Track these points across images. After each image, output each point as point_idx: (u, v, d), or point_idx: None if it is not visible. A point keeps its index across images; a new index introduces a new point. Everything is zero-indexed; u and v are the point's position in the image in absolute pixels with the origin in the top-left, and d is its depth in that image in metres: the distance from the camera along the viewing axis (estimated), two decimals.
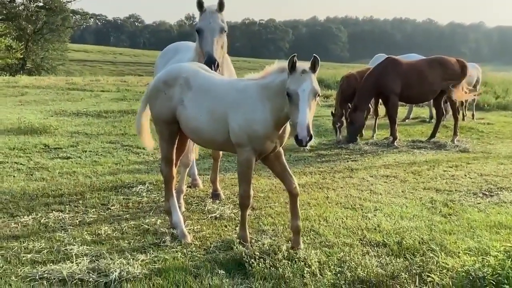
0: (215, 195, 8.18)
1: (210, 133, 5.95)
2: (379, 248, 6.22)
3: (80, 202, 7.84)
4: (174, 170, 6.62)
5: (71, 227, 6.77)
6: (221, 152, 8.47)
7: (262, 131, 5.59)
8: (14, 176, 9.26)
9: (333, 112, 14.28)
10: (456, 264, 5.43)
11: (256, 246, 6.00)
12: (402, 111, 19.31)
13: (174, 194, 6.64)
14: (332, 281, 5.22)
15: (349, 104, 14.05)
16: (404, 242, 6.29)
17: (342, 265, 5.57)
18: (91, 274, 5.20)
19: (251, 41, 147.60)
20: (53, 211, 7.36)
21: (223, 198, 8.16)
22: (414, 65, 13.76)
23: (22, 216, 7.13)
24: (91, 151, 11.62)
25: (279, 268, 5.37)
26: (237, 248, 5.83)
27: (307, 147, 5.16)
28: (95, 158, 10.93)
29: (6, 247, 6.01)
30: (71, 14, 64.84)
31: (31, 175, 9.42)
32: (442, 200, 8.34)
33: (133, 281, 5.16)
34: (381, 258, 5.83)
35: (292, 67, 5.24)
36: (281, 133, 5.82)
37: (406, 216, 7.47)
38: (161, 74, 6.46)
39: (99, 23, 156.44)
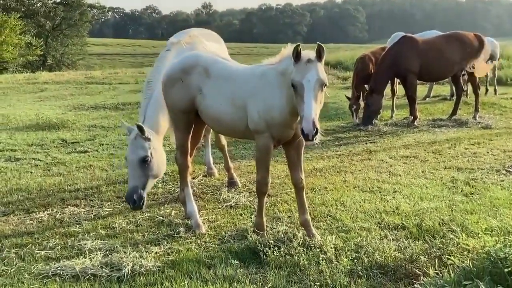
0: (231, 183, 8.05)
1: (231, 121, 5.83)
2: (397, 231, 6.05)
3: (96, 196, 7.79)
4: (190, 159, 6.51)
5: (86, 221, 6.72)
6: (225, 142, 8.35)
7: (279, 118, 5.42)
8: (31, 172, 9.25)
9: (347, 96, 14.06)
10: (477, 245, 5.24)
11: (271, 234, 5.88)
12: (422, 89, 18.99)
13: (189, 184, 6.51)
14: (349, 267, 5.08)
15: (365, 85, 13.79)
16: (424, 224, 6.12)
17: (359, 250, 5.42)
18: (104, 269, 5.13)
19: (269, 26, 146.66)
20: (69, 206, 7.33)
21: (239, 186, 8.04)
22: (431, 42, 13.42)
23: (37, 212, 7.09)
24: (108, 144, 11.58)
25: (294, 256, 5.24)
26: (251, 236, 5.71)
27: (314, 142, 4.95)
28: (112, 151, 10.88)
29: (21, 244, 5.98)
30: (88, 9, 64.94)
31: (48, 170, 9.40)
32: (463, 179, 8.12)
33: (146, 274, 5.08)
34: (399, 242, 5.65)
35: (296, 57, 5.01)
36: None
37: (426, 197, 7.28)
38: (178, 62, 6.33)
39: (117, 16, 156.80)
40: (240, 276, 4.96)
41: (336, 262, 5.18)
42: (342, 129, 13.05)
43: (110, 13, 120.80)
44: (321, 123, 12.63)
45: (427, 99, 17.98)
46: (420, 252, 5.27)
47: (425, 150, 10.36)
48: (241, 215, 6.79)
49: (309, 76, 4.91)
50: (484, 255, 4.68)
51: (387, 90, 14.48)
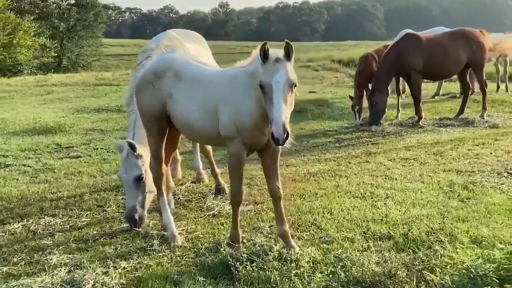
0: (218, 190, 7.78)
1: (203, 128, 5.52)
2: (383, 241, 5.73)
3: (77, 205, 7.52)
4: (164, 167, 6.23)
5: (60, 233, 6.45)
6: (210, 148, 8.08)
7: (250, 123, 5.11)
8: (17, 180, 9.02)
9: (350, 95, 13.72)
10: (460, 259, 4.91)
11: (246, 247, 5.59)
12: (432, 87, 18.58)
13: (165, 193, 6.24)
14: (323, 283, 4.79)
15: (369, 85, 13.44)
16: (411, 233, 5.79)
17: (337, 264, 5.10)
18: (63, 287, 4.86)
19: (286, 24, 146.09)
20: (46, 216, 7.04)
21: (227, 193, 7.74)
22: (435, 39, 13.03)
23: (12, 224, 6.81)
24: (102, 148, 11.33)
25: (267, 271, 4.94)
26: (224, 250, 5.41)
27: (285, 146, 4.67)
28: (105, 156, 10.63)
29: None
30: (103, 9, 65.01)
31: (36, 177, 9.18)
32: (462, 183, 7.79)
33: None
34: (382, 253, 5.35)
35: (264, 56, 4.72)
36: None
37: (419, 203, 6.96)
38: (150, 65, 6.09)
39: (134, 17, 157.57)
40: None
41: (310, 278, 4.87)
42: (345, 130, 12.72)
43: (127, 13, 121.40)
44: (324, 123, 12.70)
45: (436, 97, 17.55)
46: (401, 266, 4.97)
47: (426, 151, 10.02)
48: (222, 224, 6.50)
49: (278, 77, 4.61)
50: (463, 271, 4.37)
51: (393, 89, 14.13)
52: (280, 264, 5.10)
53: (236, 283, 4.89)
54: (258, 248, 5.46)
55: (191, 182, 8.44)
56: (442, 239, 5.60)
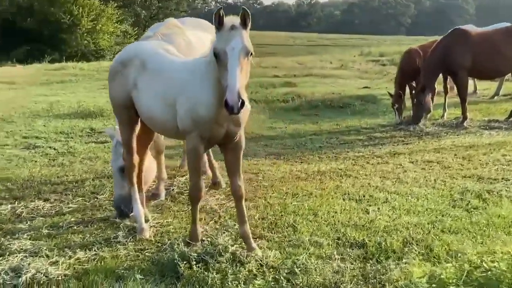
0: (214, 183, 7.58)
1: (163, 120, 5.37)
2: (353, 249, 5.40)
3: (74, 190, 7.57)
4: (136, 158, 6.09)
5: (41, 218, 6.49)
6: None
7: (206, 114, 4.88)
8: (35, 162, 9.22)
9: (390, 93, 13.12)
10: (417, 274, 4.51)
11: (200, 246, 5.37)
12: (494, 86, 17.48)
13: (135, 185, 6.11)
14: None
15: (411, 82, 12.83)
16: (386, 243, 5.41)
17: (289, 270, 4.83)
18: (4, 275, 4.83)
19: (371, 17, 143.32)
20: (38, 200, 7.13)
21: (223, 187, 7.55)
22: (487, 36, 12.25)
23: (4, 205, 6.94)
24: None
25: (211, 273, 4.73)
26: (177, 247, 5.23)
27: (239, 115, 4.48)
28: None
29: None
30: None
31: (54, 160, 9.36)
32: (477, 191, 7.24)
33: (44, 284, 4.74)
34: (344, 262, 5.03)
35: (219, 23, 4.53)
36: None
37: (415, 210, 6.53)
38: (119, 54, 5.99)
39: (219, 6, 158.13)
40: None
41: (250, 283, 4.62)
42: (381, 128, 12.17)
43: (213, 3, 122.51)
44: (362, 120, 12.23)
45: (495, 97, 16.48)
46: (354, 277, 4.63)
47: (455, 155, 9.40)
48: (200, 220, 6.30)
49: (234, 43, 4.41)
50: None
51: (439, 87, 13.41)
52: (228, 266, 4.88)
53: (178, 283, 4.71)
54: (214, 248, 5.21)
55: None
56: (416, 251, 5.21)
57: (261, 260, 5.01)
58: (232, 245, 5.26)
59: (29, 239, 5.78)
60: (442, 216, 6.34)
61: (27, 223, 6.32)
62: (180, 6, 64.77)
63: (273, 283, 4.63)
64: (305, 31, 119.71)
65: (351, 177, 8.06)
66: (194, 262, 4.86)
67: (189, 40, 7.24)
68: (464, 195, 7.10)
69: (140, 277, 4.72)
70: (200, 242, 5.44)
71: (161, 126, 5.49)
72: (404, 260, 4.99)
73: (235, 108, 4.26)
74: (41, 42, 43.08)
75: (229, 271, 4.78)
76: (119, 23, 50.21)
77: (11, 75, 23.29)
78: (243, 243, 5.37)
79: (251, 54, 4.54)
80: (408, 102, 13.27)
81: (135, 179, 6.09)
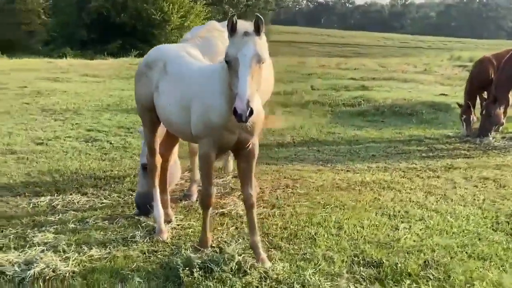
0: None
1: (179, 124, 5.39)
2: (366, 268, 5.19)
3: (114, 186, 7.75)
4: (159, 159, 6.14)
5: (73, 211, 6.69)
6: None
7: (217, 120, 4.85)
8: (89, 155, 9.54)
9: (458, 103, 12.52)
10: None
11: (209, 253, 5.34)
12: None
13: (157, 186, 6.14)
14: None
15: (482, 93, 12.20)
16: (403, 264, 5.17)
17: (287, 285, 4.73)
18: (15, 267, 5.00)
19: (469, 20, 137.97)
20: (76, 194, 7.35)
21: (257, 192, 7.46)
22: None
23: (44, 196, 7.20)
24: None
25: (211, 281, 4.71)
26: (184, 253, 5.24)
27: (248, 124, 4.48)
28: None
29: None
30: None
31: (106, 154, 9.62)
32: None
33: (50, 279, 4.88)
34: (350, 282, 4.86)
35: (232, 29, 4.50)
36: None
37: (449, 231, 6.20)
38: (146, 55, 6.07)
39: (310, 6, 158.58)
40: None
41: None
42: (445, 140, 11.60)
43: (304, 2, 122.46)
44: (428, 130, 11.75)
45: None
46: None
47: None
48: (222, 224, 6.29)
49: (245, 50, 4.38)
50: None
51: None
52: (230, 275, 4.81)
53: None
54: (221, 256, 5.16)
55: (233, 177, 8.21)
56: (432, 276, 4.95)
57: (265, 272, 4.91)
58: (240, 254, 5.17)
59: (53, 232, 5.96)
60: (479, 239, 5.98)
61: (57, 216, 6.53)
62: (268, 5, 65.02)
63: None
64: (398, 32, 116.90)
65: (394, 190, 7.76)
66: (197, 269, 4.83)
67: (225, 43, 7.20)
68: (511, 219, 6.67)
69: (139, 280, 4.76)
70: (209, 249, 5.40)
71: (178, 129, 5.51)
72: (414, 285, 4.75)
73: (243, 116, 4.21)
74: (133, 36, 44.57)
75: (228, 281, 4.71)
76: (207, 20, 50.95)
77: (98, 68, 24.09)
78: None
79: (263, 61, 4.47)
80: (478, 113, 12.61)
81: (157, 180, 6.13)
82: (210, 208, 5.44)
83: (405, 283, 4.85)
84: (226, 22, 7.49)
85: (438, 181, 8.33)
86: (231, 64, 4.44)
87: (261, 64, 4.47)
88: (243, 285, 4.70)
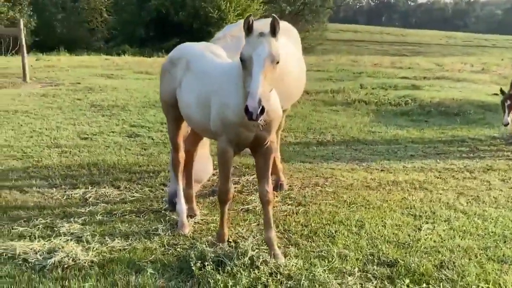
0: (278, 185, 7.59)
1: (199, 121, 5.51)
2: (381, 267, 5.19)
3: (146, 180, 7.92)
4: (182, 155, 6.28)
5: (103, 204, 6.92)
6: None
7: (234, 118, 4.94)
8: (129, 149, 9.79)
9: (502, 89, 12.06)
10: None
11: (225, 247, 5.44)
12: None
13: (181, 181, 6.29)
14: None
15: None
16: (416, 264, 5.15)
17: (295, 281, 4.80)
18: (37, 255, 5.24)
19: None
20: (109, 187, 7.58)
21: (285, 189, 7.55)
22: None
23: (78, 189, 7.47)
24: None
25: (219, 275, 4.81)
26: (199, 246, 5.35)
27: (259, 122, 4.49)
28: None
29: (19, 218, 6.35)
30: None
31: (145, 149, 9.82)
32: None
33: (68, 268, 5.07)
34: (360, 280, 4.88)
35: (248, 29, 4.61)
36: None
37: (474, 233, 6.10)
38: (171, 52, 6.22)
39: (371, 3, 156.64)
40: (147, 286, 4.75)
41: None
42: (490, 140, 11.25)
43: (365, 0, 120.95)
44: (473, 130, 11.47)
45: None
46: None
47: None
48: (244, 220, 6.39)
49: (260, 50, 4.48)
50: None
51: None
52: (241, 270, 4.90)
53: (189, 281, 4.85)
54: (235, 251, 5.26)
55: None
56: (446, 277, 4.92)
57: (276, 268, 4.98)
58: (254, 250, 5.25)
59: (81, 223, 6.21)
60: (504, 242, 5.87)
61: (88, 208, 6.77)
62: (326, 3, 64.56)
63: None
64: (461, 30, 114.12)
65: (425, 190, 7.67)
66: (209, 263, 4.94)
67: None
68: None
69: (152, 271, 4.90)
70: (225, 243, 5.50)
71: (199, 126, 5.63)
72: (424, 286, 4.73)
73: (254, 114, 4.28)
74: (190, 34, 45.11)
75: (238, 275, 4.80)
76: (263, 18, 51.06)
77: (153, 65, 24.51)
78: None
79: (277, 62, 4.56)
80: None
81: (180, 175, 6.28)
82: (228, 203, 5.52)
83: (416, 283, 4.83)
84: (265, 20, 7.63)
85: (473, 182, 8.19)
86: (245, 63, 4.53)
87: (275, 64, 4.54)
88: (252, 279, 4.77)
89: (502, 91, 11.87)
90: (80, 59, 28.98)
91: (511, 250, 5.62)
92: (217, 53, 5.82)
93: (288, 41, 7.83)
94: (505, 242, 5.88)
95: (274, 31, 4.61)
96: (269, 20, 8.47)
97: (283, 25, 8.19)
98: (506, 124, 11.21)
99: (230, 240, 5.70)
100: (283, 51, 7.04)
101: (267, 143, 5.18)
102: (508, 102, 11.34)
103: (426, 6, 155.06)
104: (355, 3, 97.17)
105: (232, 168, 7.73)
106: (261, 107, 4.28)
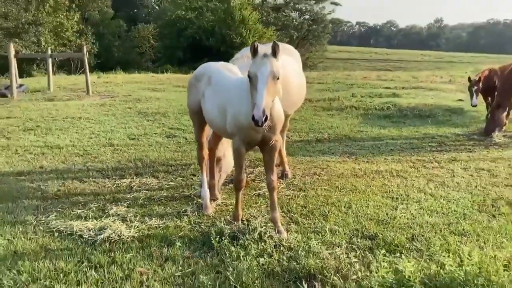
0: (283, 175, 7.50)
1: (219, 124, 5.46)
2: (364, 239, 5.10)
3: (180, 171, 7.82)
4: (206, 152, 6.25)
5: (145, 191, 6.83)
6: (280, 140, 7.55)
7: (245, 121, 4.89)
8: (167, 147, 9.67)
9: (470, 77, 11.83)
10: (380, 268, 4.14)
11: (239, 225, 5.38)
12: None
13: (205, 172, 6.25)
14: (262, 264, 4.49)
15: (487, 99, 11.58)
16: (391, 237, 5.06)
17: (294, 252, 4.72)
18: (90, 231, 5.22)
19: (495, 39, 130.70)
20: (151, 177, 7.49)
21: (289, 178, 7.46)
22: None
23: (125, 179, 7.41)
24: None
25: (234, 247, 4.77)
26: (218, 224, 5.31)
27: (264, 127, 4.52)
28: None
29: (78, 202, 6.33)
30: (329, 24, 65.57)
31: (180, 147, 9.67)
32: None
33: (115, 242, 5.04)
34: (347, 250, 4.80)
35: (254, 52, 4.59)
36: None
37: (440, 211, 5.97)
38: (196, 70, 6.18)
39: (362, 29, 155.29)
40: (178, 256, 4.70)
41: (254, 258, 4.59)
42: (455, 137, 10.97)
43: (357, 26, 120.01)
44: (441, 129, 11.27)
45: None
46: (340, 264, 4.39)
47: (509, 165, 8.37)
48: (256, 203, 6.31)
49: (263, 69, 4.46)
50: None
51: None
52: (252, 243, 4.85)
53: (210, 252, 4.79)
54: (247, 228, 5.19)
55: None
56: (415, 247, 4.81)
57: (280, 241, 4.91)
58: (262, 227, 5.19)
59: (126, 206, 6.15)
60: (464, 218, 5.74)
61: (132, 194, 6.70)
62: (326, 29, 64.20)
63: (273, 259, 4.54)
64: (433, 49, 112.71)
65: (402, 177, 7.53)
66: (226, 237, 4.88)
67: None
68: (495, 202, 6.35)
69: (179, 245, 4.86)
70: (240, 222, 5.44)
71: (218, 128, 5.58)
72: (398, 254, 4.62)
73: (259, 121, 4.27)
74: (218, 56, 45.11)
75: (249, 247, 4.74)
76: None
77: (188, 80, 24.35)
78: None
79: (278, 78, 4.52)
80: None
81: (204, 167, 6.23)
82: (242, 190, 5.47)
83: (392, 252, 4.73)
84: (269, 44, 7.51)
85: (440, 170, 8.02)
86: (252, 80, 4.49)
87: (276, 80, 4.50)
88: (259, 250, 4.71)
89: (469, 79, 11.73)
90: (132, 76, 29.01)
91: (469, 225, 5.49)
92: (232, 70, 5.76)
93: (292, 60, 7.74)
94: (465, 219, 5.75)
95: (274, 53, 4.57)
96: (280, 44, 8.46)
97: (288, 47, 8.13)
98: (475, 105, 11.14)
99: (243, 219, 5.62)
100: (289, 68, 7.02)
101: (272, 141, 5.12)
102: (475, 87, 11.32)
103: (405, 30, 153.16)
104: (349, 30, 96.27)
105: (247, 161, 7.72)
106: (265, 116, 4.26)
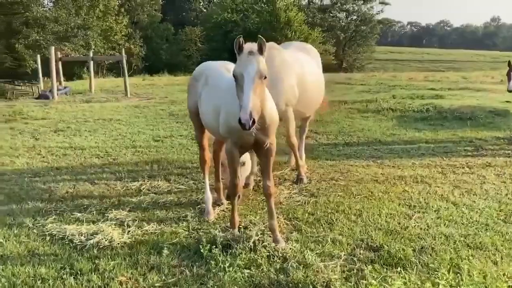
0: (298, 179, 7.18)
1: (214, 126, 5.22)
2: (367, 251, 4.73)
3: (193, 174, 7.62)
4: (208, 154, 6.03)
5: (152, 194, 6.65)
6: (296, 141, 7.01)
7: (235, 124, 4.56)
8: (188, 149, 9.54)
9: (510, 61, 10.99)
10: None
11: (232, 233, 5.06)
12: None
13: (207, 176, 6.02)
14: (247, 276, 4.21)
15: None
16: (399, 249, 4.66)
17: (284, 262, 4.41)
18: (80, 236, 5.07)
19: None
20: (162, 180, 7.32)
21: (305, 183, 7.12)
22: None
23: (138, 181, 7.26)
24: None
25: (223, 256, 4.50)
26: (212, 231, 5.07)
27: (252, 132, 4.16)
28: None
29: (80, 205, 6.20)
30: (377, 24, 64.20)
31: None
32: None
33: (103, 248, 4.88)
34: (345, 262, 4.43)
35: (239, 49, 4.25)
36: (260, 125, 4.56)
37: (458, 222, 5.49)
38: (195, 70, 5.98)
39: (414, 29, 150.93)
40: (162, 264, 4.49)
41: (242, 270, 4.30)
42: (495, 141, 10.23)
43: (408, 26, 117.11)
44: (482, 132, 10.57)
45: None
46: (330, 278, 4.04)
47: None
48: (263, 209, 6.01)
49: (250, 68, 4.11)
50: None
51: None
52: (243, 252, 4.59)
53: (199, 261, 4.57)
54: (241, 236, 4.91)
55: (291, 169, 7.87)
56: (421, 261, 4.39)
57: (273, 251, 4.63)
58: (258, 235, 4.89)
59: (128, 210, 5.99)
60: (486, 230, 5.24)
61: (139, 197, 6.53)
62: (373, 30, 62.88)
63: (264, 272, 4.24)
64: (490, 49, 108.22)
65: (425, 184, 7.02)
66: (218, 246, 4.62)
67: (284, 59, 6.82)
68: None
69: (167, 252, 4.65)
70: (236, 229, 5.17)
71: (213, 130, 5.36)
72: (399, 269, 4.22)
73: (247, 125, 3.97)
74: None
75: (239, 256, 4.48)
76: (322, 44, 50.36)
77: None
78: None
79: (265, 77, 4.20)
80: None
81: (207, 170, 6.01)
82: (237, 196, 5.18)
83: (394, 266, 4.34)
84: (285, 43, 7.17)
85: (470, 176, 7.44)
86: (237, 80, 4.18)
87: (263, 79, 4.19)
88: (249, 261, 4.44)
89: (509, 64, 10.92)
90: (175, 79, 29.42)
91: (489, 238, 5.00)
92: (231, 70, 5.50)
93: (310, 59, 7.43)
94: (486, 230, 5.26)
95: (261, 50, 4.22)
96: (297, 43, 8.13)
97: (305, 46, 7.81)
98: (511, 91, 10.34)
99: (241, 226, 5.34)
100: (306, 69, 6.68)
101: (266, 145, 4.82)
102: None
103: (460, 29, 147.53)
104: (400, 30, 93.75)
105: (257, 167, 7.46)
106: (252, 119, 3.96)
